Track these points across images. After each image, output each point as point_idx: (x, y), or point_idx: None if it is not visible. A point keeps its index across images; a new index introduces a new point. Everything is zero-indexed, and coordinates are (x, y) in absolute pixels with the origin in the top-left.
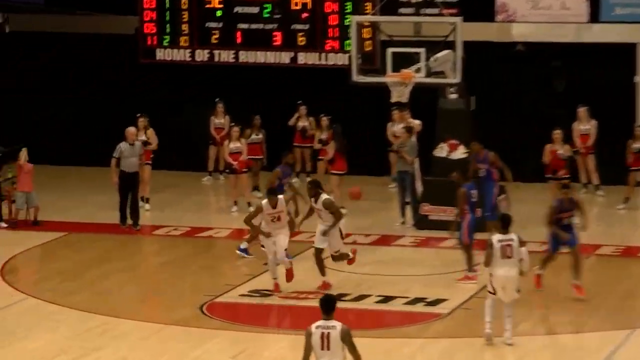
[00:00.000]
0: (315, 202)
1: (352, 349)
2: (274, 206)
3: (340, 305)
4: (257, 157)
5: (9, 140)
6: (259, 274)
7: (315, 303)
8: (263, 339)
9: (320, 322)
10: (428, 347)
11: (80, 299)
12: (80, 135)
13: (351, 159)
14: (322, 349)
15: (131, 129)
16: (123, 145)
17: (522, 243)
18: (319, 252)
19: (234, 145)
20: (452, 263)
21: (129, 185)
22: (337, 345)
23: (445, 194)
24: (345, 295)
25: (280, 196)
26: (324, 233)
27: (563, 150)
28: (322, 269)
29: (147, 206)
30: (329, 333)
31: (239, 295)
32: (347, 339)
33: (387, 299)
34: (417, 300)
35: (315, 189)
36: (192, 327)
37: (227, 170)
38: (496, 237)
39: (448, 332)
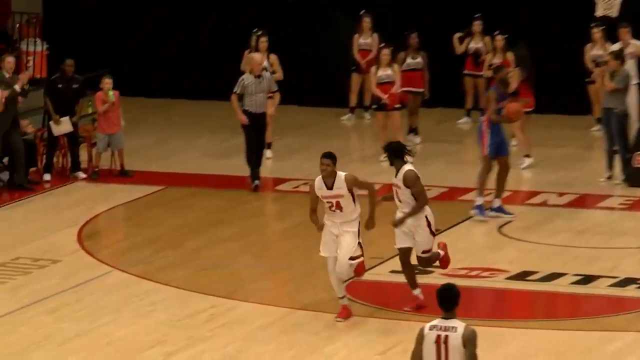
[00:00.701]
0: (396, 174)
1: None
2: (330, 185)
3: (524, 286)
4: (415, 89)
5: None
6: None
7: (490, 283)
8: None
9: (436, 322)
10: None
11: (181, 275)
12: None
13: (538, 92)
14: (439, 359)
15: (256, 56)
16: (247, 78)
17: None
18: (405, 254)
19: (383, 72)
20: None
21: (254, 129)
22: (458, 355)
23: None
24: (532, 273)
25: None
26: (405, 225)
27: None
28: (412, 280)
29: (268, 153)
30: (447, 336)
31: (390, 271)
32: (468, 345)
33: (587, 279)
34: (627, 282)
35: (397, 155)
36: (327, 312)
37: (375, 106)
38: None
39: None
